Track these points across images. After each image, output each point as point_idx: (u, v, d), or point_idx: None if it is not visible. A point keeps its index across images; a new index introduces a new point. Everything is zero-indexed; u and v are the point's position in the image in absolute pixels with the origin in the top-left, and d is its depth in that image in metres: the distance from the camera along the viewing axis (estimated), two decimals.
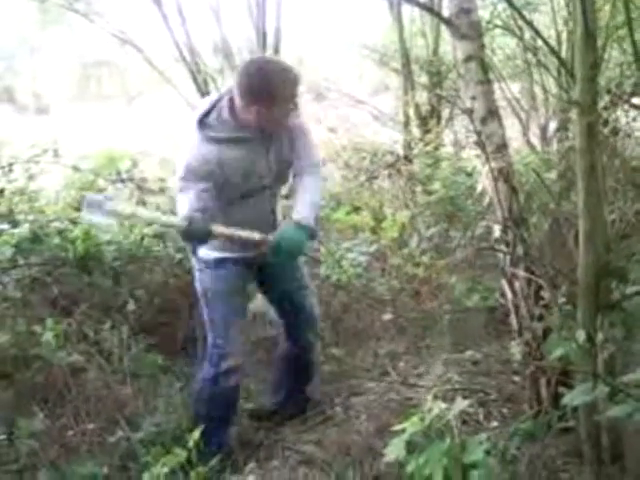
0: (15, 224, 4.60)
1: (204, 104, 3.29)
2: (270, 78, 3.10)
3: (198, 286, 3.47)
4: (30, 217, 4.67)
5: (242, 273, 3.46)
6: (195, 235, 3.13)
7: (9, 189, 5.24)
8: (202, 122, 3.19)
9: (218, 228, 3.15)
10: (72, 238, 4.50)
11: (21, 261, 4.44)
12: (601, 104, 4.28)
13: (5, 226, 4.52)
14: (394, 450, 2.15)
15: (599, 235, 2.57)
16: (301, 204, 3.34)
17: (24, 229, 4.49)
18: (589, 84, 2.41)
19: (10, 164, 5.48)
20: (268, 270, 3.56)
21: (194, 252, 3.40)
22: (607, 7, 5.41)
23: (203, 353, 3.59)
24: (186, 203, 3.13)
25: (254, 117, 3.15)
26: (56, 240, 4.52)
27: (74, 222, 4.75)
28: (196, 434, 2.81)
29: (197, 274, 3.46)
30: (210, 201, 3.14)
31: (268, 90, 3.09)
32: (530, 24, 3.35)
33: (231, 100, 3.19)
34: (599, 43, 5.17)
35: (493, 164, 3.21)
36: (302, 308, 3.72)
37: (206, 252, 3.36)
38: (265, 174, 3.31)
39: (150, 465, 2.76)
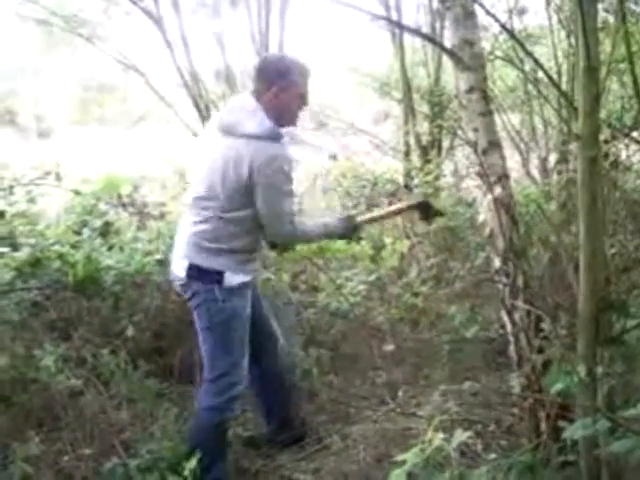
0: (15, 247, 4.60)
1: (247, 108, 3.34)
2: (284, 58, 3.47)
3: (218, 316, 3.35)
4: (31, 240, 4.66)
5: (249, 302, 3.48)
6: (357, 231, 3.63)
7: (10, 212, 5.24)
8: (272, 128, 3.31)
9: (364, 217, 3.71)
10: (72, 262, 4.49)
11: (20, 284, 4.43)
12: (602, 137, 4.30)
13: (5, 249, 4.51)
14: None
15: (599, 268, 2.57)
16: None
17: (24, 252, 4.48)
18: (591, 117, 2.42)
19: (11, 186, 5.49)
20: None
21: (218, 282, 3.32)
22: (607, 41, 5.45)
23: (202, 379, 3.56)
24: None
25: (273, 102, 3.31)
26: (56, 264, 4.50)
27: (75, 246, 4.75)
28: (193, 462, 2.79)
29: (218, 304, 3.33)
30: None
31: (283, 67, 3.34)
32: (531, 55, 3.38)
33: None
34: (605, 77, 5.22)
35: (495, 195, 3.22)
36: (272, 332, 3.83)
37: (233, 278, 3.33)
38: None
39: None
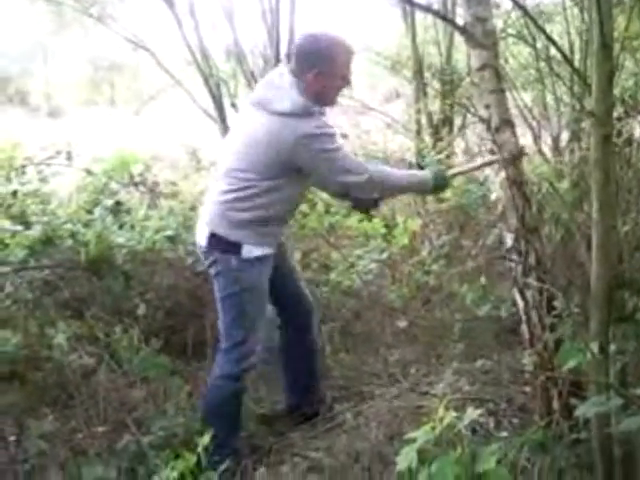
0: (28, 226, 4.62)
1: (284, 85, 3.32)
2: (328, 38, 3.34)
3: (234, 286, 3.38)
4: (43, 219, 4.68)
5: (269, 274, 3.49)
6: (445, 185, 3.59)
7: (22, 191, 5.26)
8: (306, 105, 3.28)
9: (453, 171, 3.69)
10: (84, 241, 4.52)
11: (33, 263, 4.45)
12: (615, 115, 4.28)
13: (18, 228, 4.53)
14: (405, 459, 2.14)
15: (612, 246, 2.56)
16: None
17: (36, 231, 4.50)
18: (605, 94, 2.40)
19: (23, 166, 5.51)
20: (277, 266, 3.59)
21: (237, 252, 3.35)
22: (622, 18, 5.41)
23: (214, 356, 3.59)
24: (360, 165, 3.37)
25: (313, 84, 3.28)
26: (68, 242, 4.53)
27: (86, 225, 4.76)
28: (206, 438, 2.80)
29: (235, 274, 3.37)
30: None
31: (326, 50, 3.30)
32: (544, 31, 3.34)
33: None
34: (619, 54, 5.19)
35: (507, 172, 3.21)
36: (303, 298, 3.83)
37: (251, 250, 3.35)
38: None
39: (159, 469, 2.76)
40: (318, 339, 3.99)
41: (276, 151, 3.22)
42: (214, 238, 3.39)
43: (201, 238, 3.47)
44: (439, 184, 3.53)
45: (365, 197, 3.42)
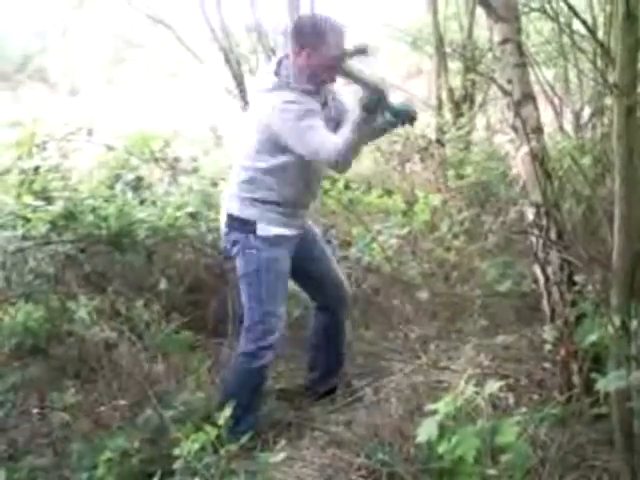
0: (50, 201, 4.65)
1: (268, 69, 3.46)
2: (318, 19, 3.41)
3: (250, 264, 3.45)
4: (64, 194, 4.70)
5: (289, 255, 3.54)
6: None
7: (43, 166, 5.28)
8: (281, 80, 3.38)
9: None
10: (106, 216, 4.53)
11: (55, 238, 4.48)
12: (639, 89, 4.23)
13: (40, 203, 4.56)
14: (426, 431, 2.15)
15: (635, 221, 2.54)
16: None
17: (58, 206, 4.53)
18: (629, 66, 2.38)
19: (44, 142, 5.52)
20: (303, 247, 3.63)
21: (253, 232, 3.42)
22: None
23: (238, 331, 3.61)
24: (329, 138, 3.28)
25: (305, 63, 3.35)
26: (90, 218, 4.55)
27: (107, 200, 4.78)
28: (227, 412, 2.83)
29: (251, 252, 3.44)
30: None
31: (315, 29, 3.34)
32: (570, 6, 3.31)
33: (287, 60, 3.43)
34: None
35: (526, 147, 3.19)
36: (335, 282, 3.83)
37: (267, 229, 3.43)
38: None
39: (180, 441, 2.78)
40: (344, 326, 4.00)
41: (264, 126, 3.34)
42: (230, 218, 3.49)
43: (223, 222, 3.57)
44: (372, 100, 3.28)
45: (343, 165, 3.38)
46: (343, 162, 3.30)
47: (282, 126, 3.29)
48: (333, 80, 3.48)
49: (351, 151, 3.27)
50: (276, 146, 3.35)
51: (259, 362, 3.46)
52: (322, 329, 3.89)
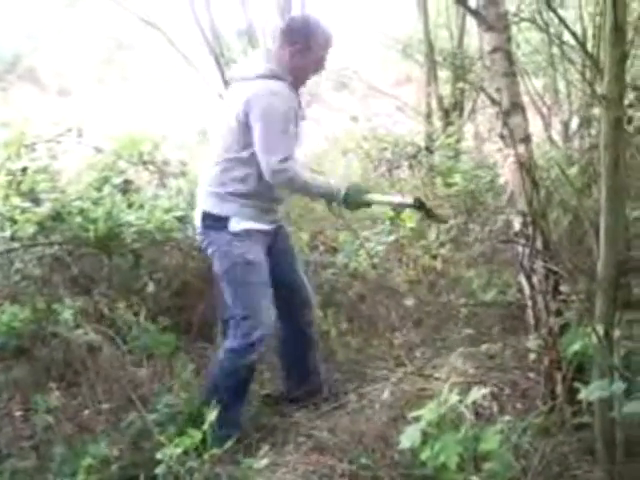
0: (37, 202, 4.63)
1: (255, 57, 3.65)
2: (310, 20, 3.52)
3: (226, 261, 3.47)
4: (52, 196, 4.68)
5: (263, 249, 3.54)
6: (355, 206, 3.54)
7: (32, 168, 5.26)
8: (269, 69, 3.43)
9: (370, 196, 3.58)
10: (93, 218, 4.52)
11: (42, 239, 4.46)
12: (626, 101, 4.26)
13: (27, 204, 4.54)
14: (409, 438, 2.16)
15: (620, 231, 2.56)
16: None
17: (46, 208, 4.51)
18: (617, 78, 2.40)
19: (33, 143, 5.50)
20: (274, 250, 3.64)
21: (225, 227, 3.43)
22: (635, 4, 5.38)
23: (225, 332, 3.61)
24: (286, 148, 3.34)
25: (288, 62, 3.42)
26: (77, 219, 4.53)
27: (95, 202, 4.77)
28: (211, 415, 2.83)
29: (225, 249, 3.46)
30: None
31: (304, 30, 3.43)
32: (556, 13, 3.34)
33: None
34: (632, 38, 5.15)
35: (514, 156, 3.20)
36: (299, 286, 3.82)
37: (239, 224, 3.44)
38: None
39: (164, 445, 2.78)
40: (314, 330, 3.99)
41: (242, 114, 3.34)
42: (205, 217, 3.51)
43: (197, 220, 3.58)
44: (349, 203, 3.54)
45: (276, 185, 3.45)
46: (280, 180, 3.37)
47: (259, 114, 3.30)
48: (303, 85, 3.58)
49: (296, 187, 3.45)
50: (247, 136, 3.36)
51: (245, 359, 3.46)
52: (287, 336, 3.87)
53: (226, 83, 7.38)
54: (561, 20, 3.11)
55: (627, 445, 2.64)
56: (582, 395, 2.33)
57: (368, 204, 3.65)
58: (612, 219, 2.51)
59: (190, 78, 9.13)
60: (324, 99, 9.47)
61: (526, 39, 7.86)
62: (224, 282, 3.53)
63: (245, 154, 3.40)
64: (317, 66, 3.50)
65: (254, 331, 3.44)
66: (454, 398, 2.18)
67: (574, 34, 3.03)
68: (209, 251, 3.54)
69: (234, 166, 3.43)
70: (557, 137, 7.47)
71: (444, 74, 8.05)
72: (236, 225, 3.43)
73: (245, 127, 3.35)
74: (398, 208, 3.84)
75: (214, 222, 3.47)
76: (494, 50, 3.26)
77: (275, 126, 3.30)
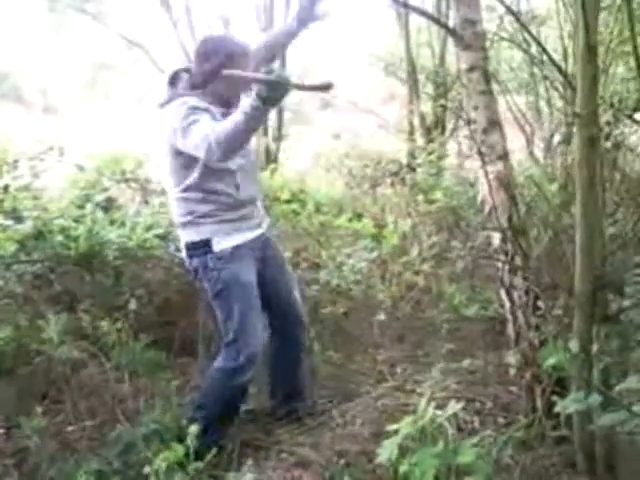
0: (19, 220, 4.63)
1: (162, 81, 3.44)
2: (212, 39, 3.48)
3: (214, 284, 3.43)
4: (34, 214, 4.68)
5: (252, 265, 3.50)
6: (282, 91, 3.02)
7: (13, 186, 5.27)
8: (175, 91, 3.35)
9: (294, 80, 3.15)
10: (75, 236, 4.52)
11: (24, 257, 4.46)
12: (604, 118, 4.31)
13: (9, 222, 4.54)
14: (386, 451, 2.17)
15: (596, 247, 2.60)
16: None
17: (28, 226, 4.51)
18: (589, 96, 2.44)
19: (15, 161, 5.51)
20: (264, 266, 3.61)
21: (208, 251, 3.39)
22: (612, 22, 5.45)
23: (207, 350, 3.62)
24: (207, 127, 3.12)
25: (202, 84, 3.34)
26: (59, 237, 4.53)
27: (77, 220, 4.77)
28: (194, 429, 2.84)
29: (212, 273, 3.41)
30: None
31: (208, 49, 3.36)
32: (534, 37, 3.39)
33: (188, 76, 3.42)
34: (605, 58, 5.22)
35: (492, 173, 3.24)
36: (292, 305, 3.78)
37: (222, 243, 3.40)
38: None
39: (149, 460, 2.79)
40: (304, 347, 3.98)
41: (169, 145, 3.29)
42: (187, 246, 3.47)
43: (183, 254, 3.54)
44: (271, 101, 3.02)
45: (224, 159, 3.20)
46: (219, 152, 3.08)
47: (174, 133, 3.21)
48: (233, 105, 3.39)
49: (229, 140, 3.06)
50: (188, 158, 3.27)
51: (235, 380, 3.45)
52: (279, 353, 3.85)
53: None
54: (535, 39, 3.15)
55: (607, 457, 2.67)
56: (558, 408, 2.36)
57: (286, 91, 3.08)
58: (587, 235, 2.55)
59: None
60: (307, 117, 9.52)
61: (509, 57, 7.95)
62: (215, 305, 3.49)
63: (194, 176, 3.33)
64: (232, 85, 3.35)
65: (242, 354, 3.42)
66: (431, 412, 2.20)
67: (549, 56, 3.08)
68: (199, 277, 3.50)
69: (188, 195, 3.37)
70: (540, 154, 7.55)
71: (428, 91, 8.12)
72: (218, 245, 3.39)
73: (178, 157, 3.31)
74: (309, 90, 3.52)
75: (195, 249, 3.43)
76: (471, 69, 3.30)
77: (186, 126, 3.17)
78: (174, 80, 3.41)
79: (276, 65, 3.63)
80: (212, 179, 3.35)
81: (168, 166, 3.38)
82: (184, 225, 3.44)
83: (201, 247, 3.40)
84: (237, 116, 3.01)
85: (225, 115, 3.26)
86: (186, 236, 3.45)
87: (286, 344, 3.82)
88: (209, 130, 3.08)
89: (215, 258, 3.39)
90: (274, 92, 2.95)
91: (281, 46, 3.97)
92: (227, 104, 3.39)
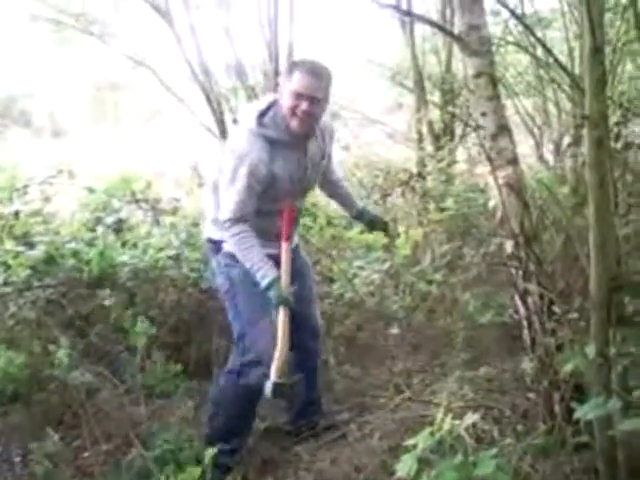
0: (31, 246, 4.63)
1: (260, 104, 3.45)
2: (296, 61, 3.58)
3: (224, 283, 3.53)
4: (45, 238, 4.68)
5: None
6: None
7: (24, 211, 5.28)
8: (259, 120, 3.36)
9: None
10: (87, 259, 4.53)
11: (36, 283, 4.46)
12: (614, 119, 4.28)
13: (20, 248, 4.54)
14: (405, 466, 2.14)
15: (610, 248, 2.56)
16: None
17: (39, 251, 4.51)
18: (598, 98, 2.41)
19: (25, 186, 5.53)
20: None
21: (218, 250, 3.51)
22: (618, 22, 5.43)
23: (221, 369, 3.61)
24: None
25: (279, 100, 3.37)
26: (71, 261, 4.54)
27: (89, 243, 4.77)
28: (211, 451, 2.82)
29: (224, 270, 3.51)
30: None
31: (289, 66, 3.45)
32: (540, 40, 3.36)
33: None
34: (613, 57, 5.18)
35: (503, 179, 3.21)
36: (309, 317, 3.77)
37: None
38: (304, 179, 3.50)
39: None
40: (320, 359, 4.01)
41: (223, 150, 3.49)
42: (207, 241, 3.65)
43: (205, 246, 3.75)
44: (270, 295, 3.33)
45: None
46: (229, 237, 3.35)
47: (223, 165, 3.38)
48: (296, 127, 3.35)
49: (234, 246, 3.35)
50: None
51: (244, 380, 3.45)
52: (295, 366, 3.74)
53: (217, 118, 7.47)
54: (544, 46, 3.13)
55: (629, 463, 2.62)
56: (577, 414, 2.32)
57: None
58: (601, 237, 2.51)
59: (181, 115, 9.19)
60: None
61: (515, 61, 7.92)
62: (226, 302, 3.57)
63: None
64: (295, 102, 3.31)
65: (251, 351, 3.43)
66: (449, 422, 2.17)
67: (556, 59, 3.05)
68: (214, 272, 3.63)
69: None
70: (550, 157, 7.51)
71: (435, 98, 8.08)
72: (229, 248, 3.44)
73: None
74: None
75: (212, 245, 3.57)
76: (478, 75, 3.28)
77: (227, 179, 3.33)
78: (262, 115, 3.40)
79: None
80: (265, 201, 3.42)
81: (216, 169, 3.49)
82: (209, 220, 3.60)
83: (214, 245, 3.54)
84: (252, 259, 3.32)
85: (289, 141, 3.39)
86: (207, 231, 3.64)
87: (302, 356, 3.79)
88: (236, 222, 3.30)
89: (227, 256, 3.47)
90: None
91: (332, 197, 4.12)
92: (290, 129, 3.38)
